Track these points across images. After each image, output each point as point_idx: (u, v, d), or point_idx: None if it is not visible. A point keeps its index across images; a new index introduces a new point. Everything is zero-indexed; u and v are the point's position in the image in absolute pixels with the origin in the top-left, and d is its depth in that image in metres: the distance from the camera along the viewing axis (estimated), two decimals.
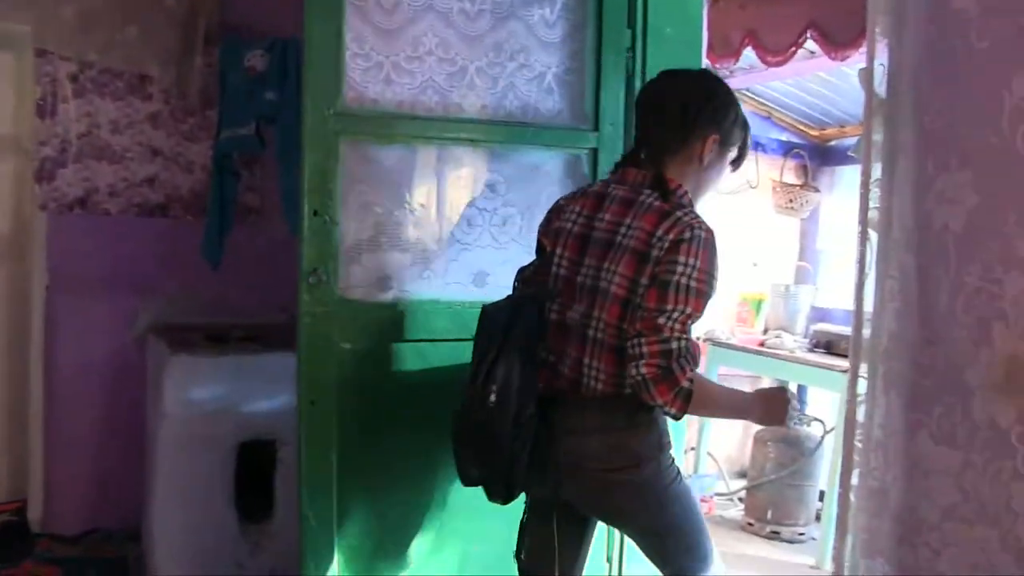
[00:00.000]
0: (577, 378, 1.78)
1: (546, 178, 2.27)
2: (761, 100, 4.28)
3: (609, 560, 2.31)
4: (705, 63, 2.49)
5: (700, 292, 1.67)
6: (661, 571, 1.86)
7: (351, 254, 2.09)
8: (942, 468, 1.25)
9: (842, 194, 4.49)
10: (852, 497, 1.43)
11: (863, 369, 1.45)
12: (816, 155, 4.50)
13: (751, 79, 3.82)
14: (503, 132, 2.20)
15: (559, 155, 2.28)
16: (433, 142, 2.15)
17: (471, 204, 2.22)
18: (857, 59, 2.44)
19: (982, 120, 1.22)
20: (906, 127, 1.36)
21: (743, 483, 4.09)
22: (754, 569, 3.38)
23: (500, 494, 1.78)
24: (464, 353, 2.13)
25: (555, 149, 2.26)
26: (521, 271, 1.99)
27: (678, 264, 1.66)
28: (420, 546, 2.15)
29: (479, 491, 1.81)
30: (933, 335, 1.28)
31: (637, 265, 1.70)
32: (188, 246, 3.04)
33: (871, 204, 1.44)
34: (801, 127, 4.46)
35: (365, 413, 2.08)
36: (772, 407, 1.82)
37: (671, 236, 1.68)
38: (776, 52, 2.65)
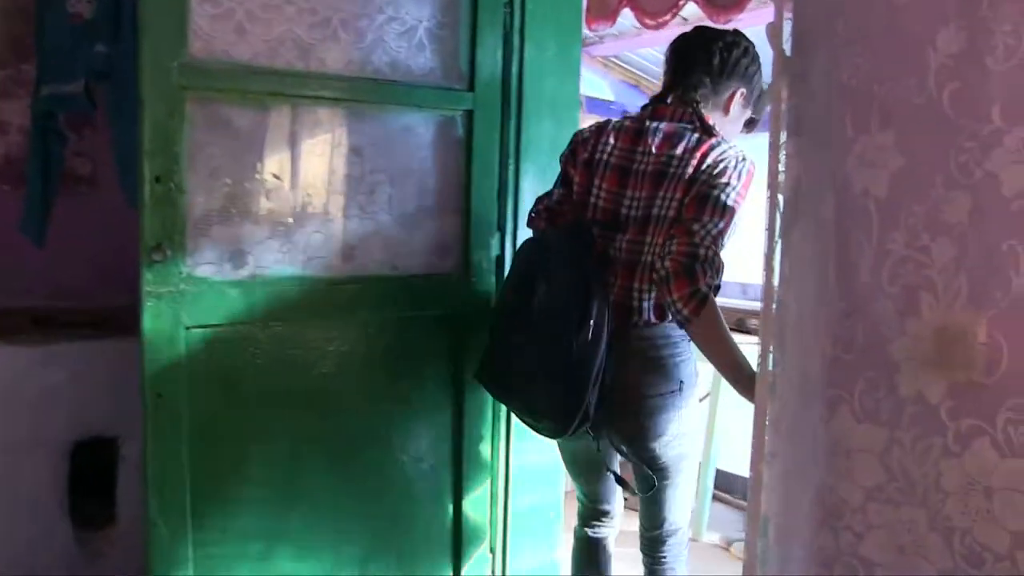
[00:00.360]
0: (627, 304, 1.83)
1: (417, 142, 2.10)
2: (630, 68, 4.23)
3: (492, 551, 2.20)
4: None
5: (734, 211, 1.76)
6: (655, 522, 1.98)
7: (200, 227, 1.85)
8: (865, 447, 1.18)
9: None
10: (764, 480, 1.35)
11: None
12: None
13: (621, 46, 3.75)
14: (370, 90, 2.01)
15: (431, 116, 2.11)
16: (292, 100, 1.93)
17: (336, 171, 2.02)
18: (740, 22, 2.38)
19: (905, 78, 1.14)
20: (820, 87, 1.28)
21: None
22: (623, 540, 3.36)
23: (567, 428, 1.77)
24: (332, 333, 1.96)
25: (427, 110, 2.09)
26: (542, 201, 2.01)
27: (721, 183, 1.76)
28: (286, 550, 1.96)
29: (352, 486, 1.70)
30: (853, 306, 1.21)
31: (686, 190, 1.78)
32: (4, 220, 2.68)
33: (780, 169, 1.35)
34: None
35: (220, 405, 1.86)
36: None
37: (720, 163, 1.78)
38: (655, 14, 2.56)
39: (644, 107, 1.97)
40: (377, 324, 2.05)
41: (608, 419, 1.82)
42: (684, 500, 2.00)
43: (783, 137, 1.35)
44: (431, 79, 2.09)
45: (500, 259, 2.21)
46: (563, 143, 2.23)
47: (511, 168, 2.19)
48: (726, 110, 1.93)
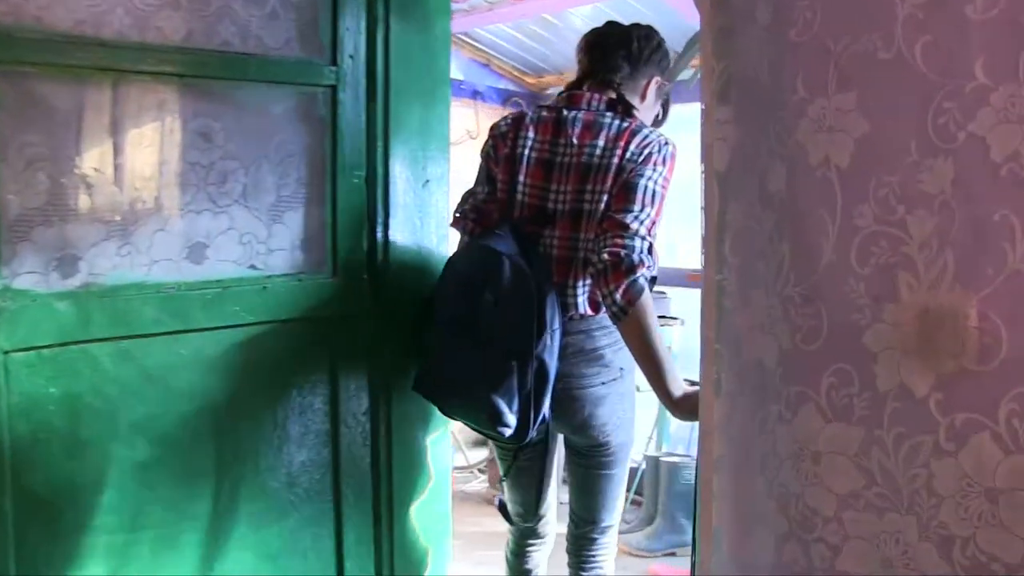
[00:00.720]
0: (564, 300, 1.84)
1: (275, 123, 1.85)
2: (480, 46, 4.07)
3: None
4: None
5: (663, 197, 1.79)
6: (588, 517, 1.99)
7: (18, 229, 1.53)
8: (837, 448, 1.05)
9: None
10: (714, 488, 1.21)
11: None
12: (533, 103, 4.37)
13: (471, 22, 3.57)
14: (217, 64, 1.73)
15: (290, 94, 1.86)
16: (126, 77, 1.63)
17: (180, 158, 1.74)
18: None
19: (867, 33, 1.01)
20: (761, 45, 1.14)
21: (484, 453, 3.91)
22: None
23: (527, 434, 1.75)
24: (185, 347, 1.69)
25: (285, 87, 1.84)
26: (467, 200, 1.97)
27: (647, 170, 1.77)
28: None
29: (222, 522, 1.68)
30: (814, 291, 1.08)
31: (615, 180, 1.78)
32: None
33: (716, 139, 1.21)
34: (519, 74, 4.30)
35: (54, 443, 1.55)
36: (692, 393, 1.75)
37: (644, 149, 1.78)
38: None
39: (559, 95, 1.96)
40: (238, 333, 1.78)
41: (554, 414, 1.83)
42: (620, 494, 2.02)
43: (715, 103, 1.21)
44: (288, 52, 1.83)
45: (372, 253, 1.99)
46: (436, 123, 2.05)
47: (380, 151, 1.96)
48: (643, 96, 1.95)
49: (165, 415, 1.68)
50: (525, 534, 2.14)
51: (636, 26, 1.99)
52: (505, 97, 4.30)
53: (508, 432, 1.73)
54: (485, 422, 1.77)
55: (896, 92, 0.98)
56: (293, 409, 1.85)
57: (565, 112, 1.87)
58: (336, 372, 1.91)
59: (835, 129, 1.04)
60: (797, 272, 1.10)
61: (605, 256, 1.71)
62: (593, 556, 2.02)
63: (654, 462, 3.48)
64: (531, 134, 1.88)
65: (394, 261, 1.99)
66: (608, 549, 2.04)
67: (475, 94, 4.05)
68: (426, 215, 2.05)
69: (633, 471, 2.52)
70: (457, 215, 1.97)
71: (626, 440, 1.98)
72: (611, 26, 2.00)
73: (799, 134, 1.09)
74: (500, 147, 1.92)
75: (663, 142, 1.82)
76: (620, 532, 2.37)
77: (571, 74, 4.26)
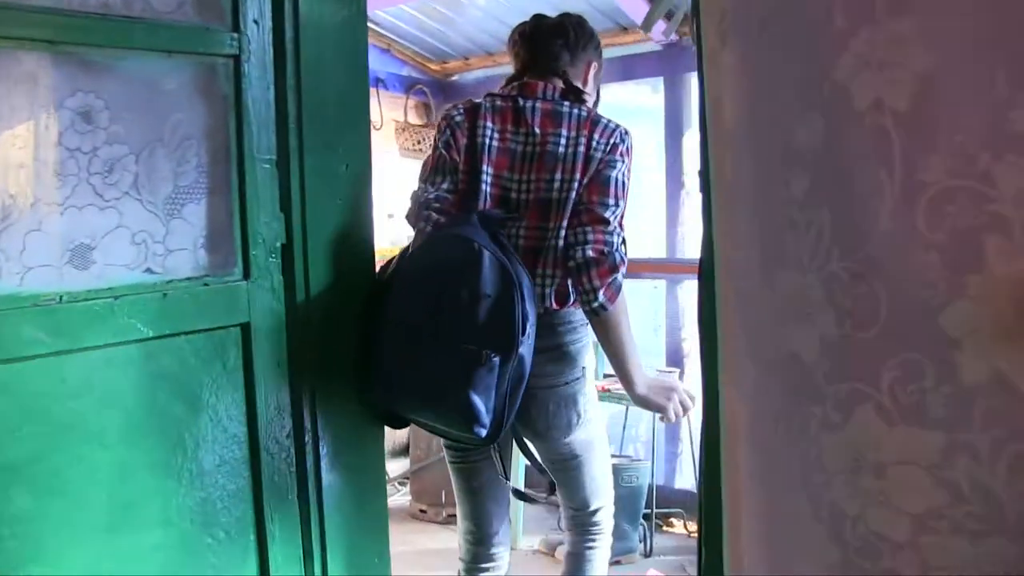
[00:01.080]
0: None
1: (169, 101, 1.57)
2: (380, 30, 3.80)
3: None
4: None
5: (628, 189, 1.84)
6: (576, 503, 2.00)
7: None
8: (907, 458, 0.85)
9: None
10: (742, 522, 1.00)
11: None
12: (439, 91, 4.14)
13: (370, 4, 3.30)
14: (97, 30, 1.45)
15: (186, 66, 1.58)
16: None
17: (57, 143, 1.44)
18: None
19: None
20: None
21: (404, 464, 3.65)
22: (444, 565, 2.96)
23: (498, 435, 1.68)
24: (72, 369, 1.41)
25: (179, 57, 1.56)
26: (427, 191, 1.87)
27: (616, 162, 1.79)
28: None
29: None
30: (867, 266, 0.88)
31: (585, 170, 1.78)
32: None
33: (722, 90, 1.01)
34: (421, 60, 4.05)
35: None
36: (657, 387, 1.85)
37: (610, 140, 1.81)
38: None
39: (507, 85, 1.94)
40: (134, 351, 1.50)
41: (528, 417, 1.82)
42: (603, 477, 2.02)
43: (719, 47, 1.01)
44: (181, 16, 1.55)
45: (288, 249, 1.73)
46: (357, 99, 1.81)
47: (292, 131, 1.70)
48: (584, 81, 1.95)
49: (48, 455, 1.38)
50: (477, 557, 2.04)
51: (567, 15, 2.01)
52: (408, 85, 4.06)
53: (484, 432, 1.64)
54: (459, 424, 1.67)
55: (974, 9, 0.79)
56: (205, 437, 1.58)
57: (521, 101, 1.86)
58: (253, 390, 1.64)
59: (888, 64, 0.84)
60: (842, 244, 0.90)
61: (590, 252, 1.72)
62: (590, 531, 2.05)
63: None
64: (490, 123, 1.85)
65: (315, 258, 1.74)
66: (605, 524, 2.06)
67: (377, 82, 3.79)
68: (348, 203, 1.80)
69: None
70: (421, 206, 1.85)
71: (589, 438, 1.96)
72: (541, 18, 2.00)
73: (839, 74, 0.88)
74: (459, 136, 1.87)
75: (623, 132, 1.84)
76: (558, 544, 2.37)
77: (477, 59, 4.09)
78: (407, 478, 3.59)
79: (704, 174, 1.26)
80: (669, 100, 3.60)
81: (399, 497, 3.58)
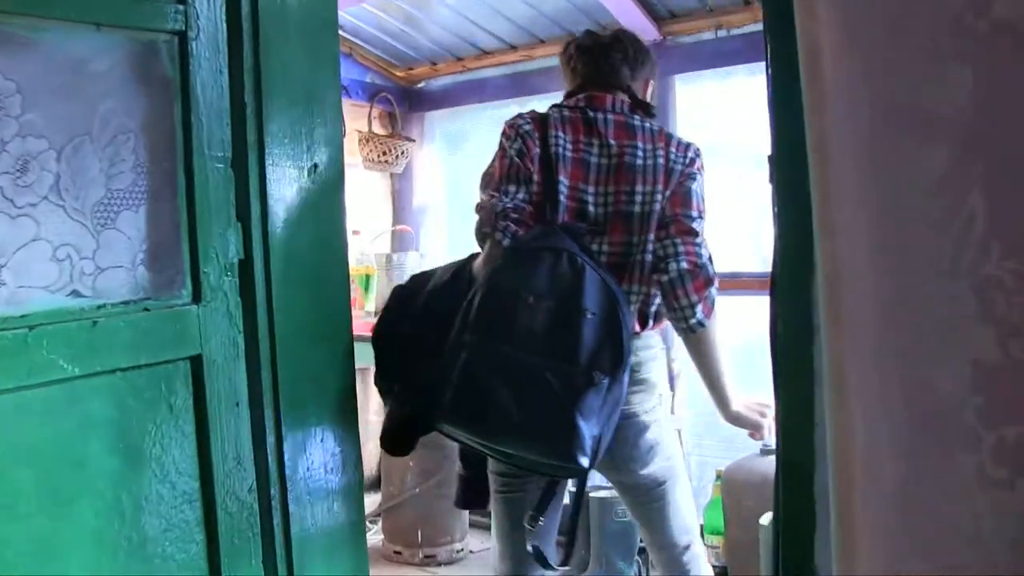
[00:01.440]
0: None
1: (100, 85, 1.30)
2: (342, 33, 3.52)
3: None
4: None
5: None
6: (669, 542, 1.87)
7: None
8: None
9: (439, 144, 3.95)
10: None
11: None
12: (404, 99, 3.89)
13: None
14: None
15: (120, 43, 1.31)
16: None
17: None
18: None
19: None
20: None
21: (376, 500, 3.36)
22: None
23: (593, 464, 1.56)
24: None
25: (111, 32, 1.29)
26: (502, 202, 1.74)
27: (696, 174, 1.78)
28: None
29: None
30: None
31: (667, 183, 1.75)
32: None
33: (816, 46, 0.76)
34: (385, 66, 3.80)
35: None
36: (752, 404, 1.79)
37: (687, 154, 1.79)
38: None
39: (572, 96, 1.88)
40: (56, 393, 1.22)
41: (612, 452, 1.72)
42: (687, 511, 1.90)
43: None
44: None
45: (246, 265, 1.45)
46: (324, 82, 1.58)
47: (251, 123, 1.44)
48: (643, 97, 1.91)
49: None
50: None
51: (621, 31, 1.99)
52: (372, 92, 3.81)
53: (588, 462, 1.53)
54: (559, 451, 1.54)
55: None
56: (147, 497, 1.29)
57: (591, 112, 1.81)
58: (207, 437, 1.36)
59: None
60: (1005, 239, 0.66)
61: (684, 264, 1.68)
62: (685, 565, 1.91)
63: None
64: (560, 133, 1.78)
65: (279, 275, 1.47)
66: (697, 558, 1.92)
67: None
68: (317, 210, 1.54)
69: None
70: (497, 216, 1.72)
71: (672, 466, 1.87)
72: (595, 34, 1.96)
73: (998, 11, 0.64)
74: (531, 145, 1.79)
75: (697, 148, 1.83)
76: None
77: (445, 65, 3.85)
78: (378, 515, 3.32)
79: (777, 159, 1.01)
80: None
81: (371, 536, 3.29)
